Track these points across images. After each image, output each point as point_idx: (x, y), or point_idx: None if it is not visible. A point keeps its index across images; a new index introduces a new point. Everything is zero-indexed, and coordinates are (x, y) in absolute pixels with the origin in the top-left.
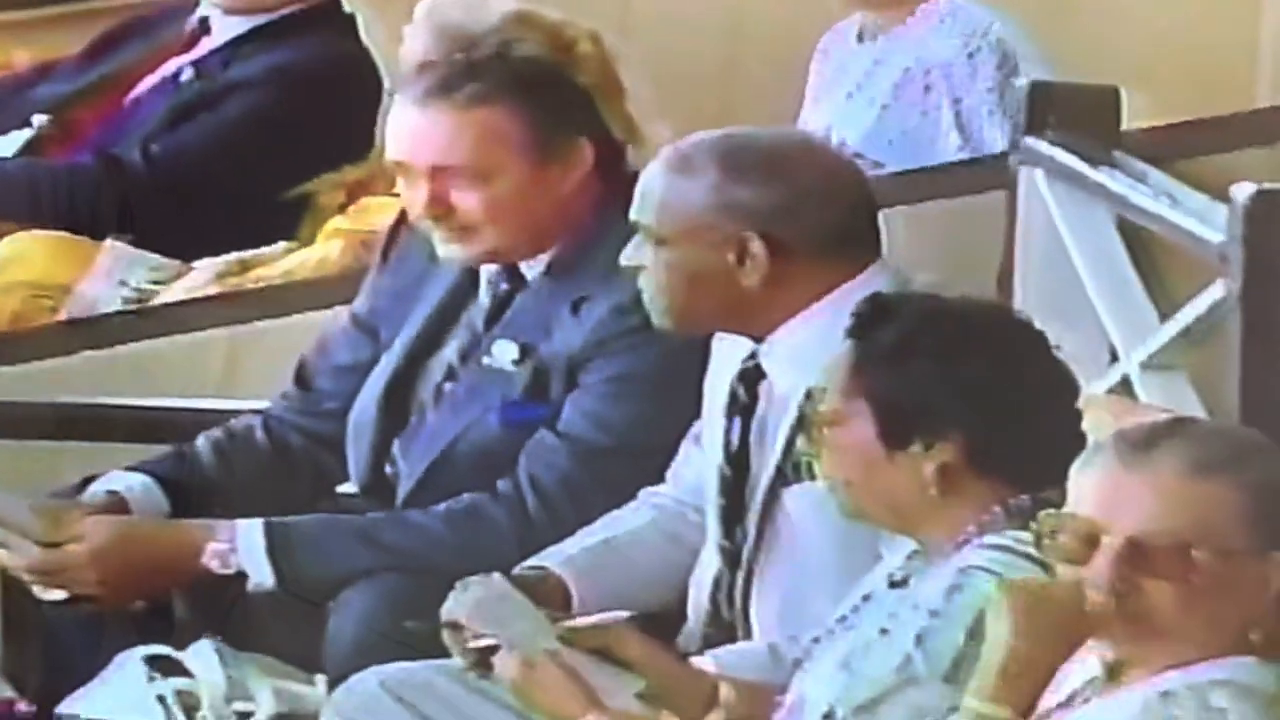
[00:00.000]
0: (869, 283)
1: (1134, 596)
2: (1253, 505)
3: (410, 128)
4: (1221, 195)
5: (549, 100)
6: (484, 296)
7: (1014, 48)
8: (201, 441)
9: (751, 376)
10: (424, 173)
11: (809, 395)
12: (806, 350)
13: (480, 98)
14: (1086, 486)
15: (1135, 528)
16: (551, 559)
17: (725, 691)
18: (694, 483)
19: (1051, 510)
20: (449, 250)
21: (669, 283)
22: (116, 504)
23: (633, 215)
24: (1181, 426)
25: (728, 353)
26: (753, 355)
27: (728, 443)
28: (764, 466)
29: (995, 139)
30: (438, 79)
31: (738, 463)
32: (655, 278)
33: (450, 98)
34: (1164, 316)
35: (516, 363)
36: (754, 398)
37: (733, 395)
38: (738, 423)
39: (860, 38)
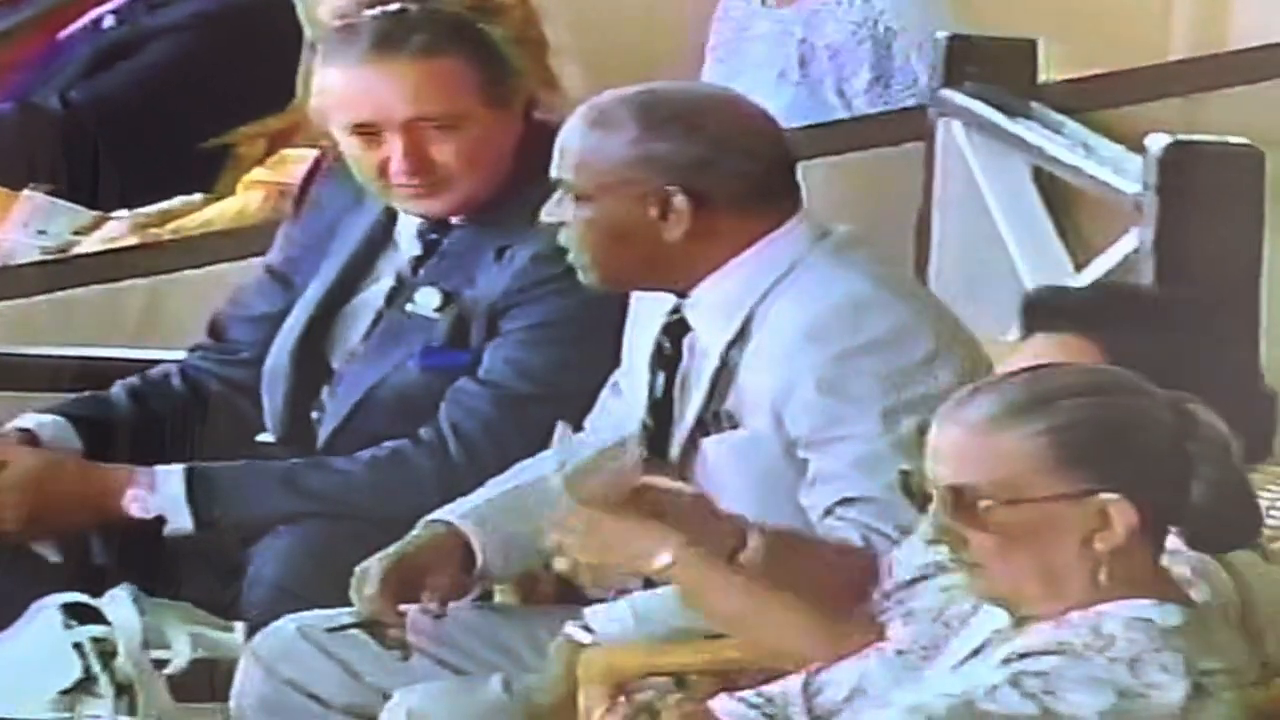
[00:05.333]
0: (790, 235)
1: (963, 547)
2: (1052, 450)
3: (370, 86)
4: (1137, 146)
5: (486, 48)
6: (412, 245)
7: (903, 38)
8: (117, 387)
9: (676, 329)
10: (397, 128)
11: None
12: (730, 302)
13: (432, 47)
14: (931, 440)
15: (948, 480)
16: (454, 513)
17: (754, 541)
18: (611, 431)
19: (913, 467)
20: (415, 205)
21: (591, 238)
22: (26, 439)
23: (553, 172)
24: (1008, 377)
25: (649, 305)
26: (676, 309)
27: (651, 394)
28: (685, 417)
29: None
30: (379, 34)
31: (660, 414)
32: (577, 234)
33: (403, 50)
34: (1079, 265)
35: (439, 309)
36: (678, 350)
37: (658, 348)
38: (662, 374)
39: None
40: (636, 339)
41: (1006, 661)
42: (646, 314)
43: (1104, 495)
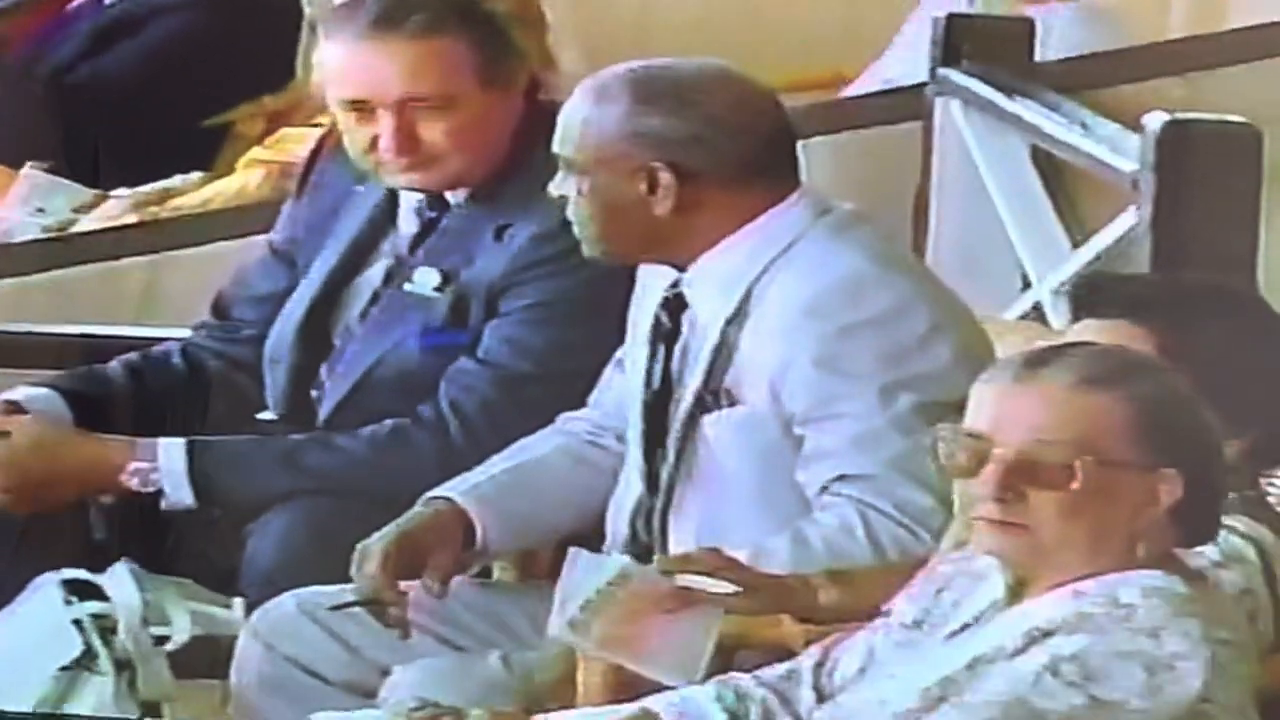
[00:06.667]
0: (790, 211)
1: (1019, 506)
2: (1136, 419)
3: (366, 63)
4: (1134, 124)
5: (485, 28)
6: (409, 223)
7: None
8: (115, 363)
9: (675, 304)
10: (390, 106)
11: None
12: (727, 278)
13: (431, 27)
14: (981, 402)
15: (1023, 438)
16: (455, 489)
17: (824, 596)
18: (614, 407)
19: (947, 426)
20: (404, 180)
21: (590, 212)
22: (13, 413)
23: (555, 146)
24: (1073, 347)
25: (654, 280)
26: (676, 284)
27: (650, 369)
28: (685, 393)
29: None
30: (379, 12)
31: (660, 389)
32: (578, 208)
33: (402, 29)
34: (1076, 243)
35: (438, 289)
36: (677, 325)
37: (657, 322)
38: (661, 350)
39: None
40: (639, 314)
41: (1030, 639)
42: (651, 289)
43: (1165, 470)
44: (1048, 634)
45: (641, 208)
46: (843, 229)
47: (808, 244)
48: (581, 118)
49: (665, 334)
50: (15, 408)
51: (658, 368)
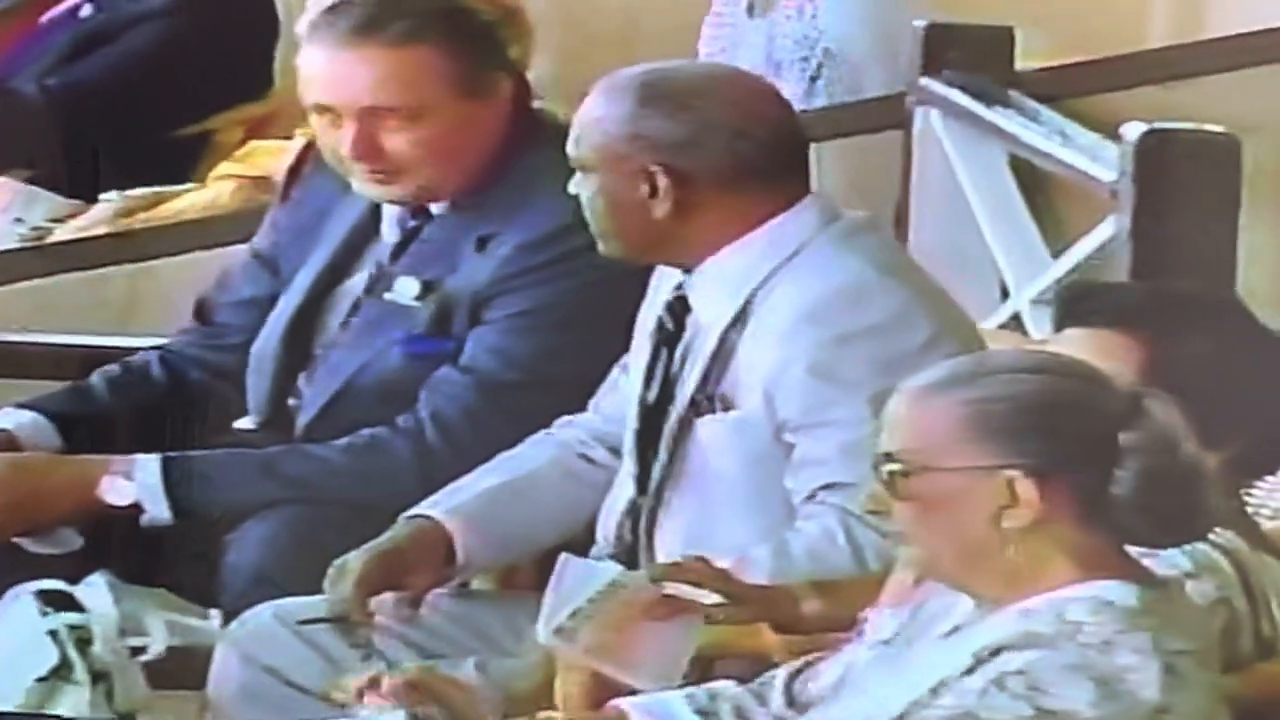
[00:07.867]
0: (798, 217)
1: (888, 515)
2: (967, 422)
3: (337, 69)
4: (1113, 134)
5: (471, 36)
6: (391, 232)
7: (837, 63)
8: (96, 377)
9: (678, 306)
10: (354, 114)
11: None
12: (731, 282)
13: (410, 35)
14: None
15: (882, 448)
16: (438, 507)
17: (807, 606)
18: (613, 411)
19: None
20: (373, 190)
21: (599, 211)
22: (4, 440)
23: (568, 146)
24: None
25: (665, 283)
26: (680, 285)
27: (651, 370)
28: (681, 395)
29: None
30: (362, 17)
31: (660, 391)
32: (590, 206)
33: (378, 36)
34: (1056, 253)
35: (418, 298)
36: (681, 328)
37: (660, 324)
38: (663, 352)
39: (750, 10)
40: (647, 315)
41: (979, 659)
42: (662, 291)
43: (1008, 471)
44: (996, 652)
45: (642, 209)
46: (849, 237)
47: (813, 251)
48: (592, 118)
49: (667, 336)
50: (3, 435)
51: (659, 369)
